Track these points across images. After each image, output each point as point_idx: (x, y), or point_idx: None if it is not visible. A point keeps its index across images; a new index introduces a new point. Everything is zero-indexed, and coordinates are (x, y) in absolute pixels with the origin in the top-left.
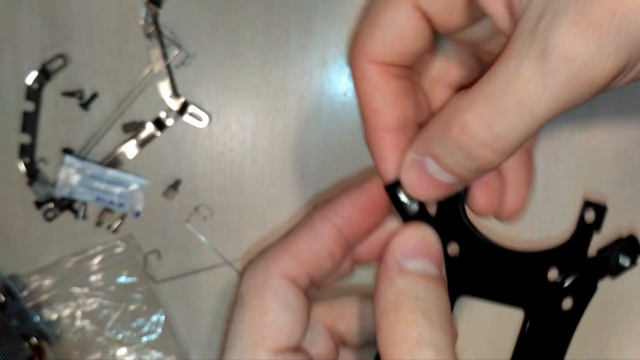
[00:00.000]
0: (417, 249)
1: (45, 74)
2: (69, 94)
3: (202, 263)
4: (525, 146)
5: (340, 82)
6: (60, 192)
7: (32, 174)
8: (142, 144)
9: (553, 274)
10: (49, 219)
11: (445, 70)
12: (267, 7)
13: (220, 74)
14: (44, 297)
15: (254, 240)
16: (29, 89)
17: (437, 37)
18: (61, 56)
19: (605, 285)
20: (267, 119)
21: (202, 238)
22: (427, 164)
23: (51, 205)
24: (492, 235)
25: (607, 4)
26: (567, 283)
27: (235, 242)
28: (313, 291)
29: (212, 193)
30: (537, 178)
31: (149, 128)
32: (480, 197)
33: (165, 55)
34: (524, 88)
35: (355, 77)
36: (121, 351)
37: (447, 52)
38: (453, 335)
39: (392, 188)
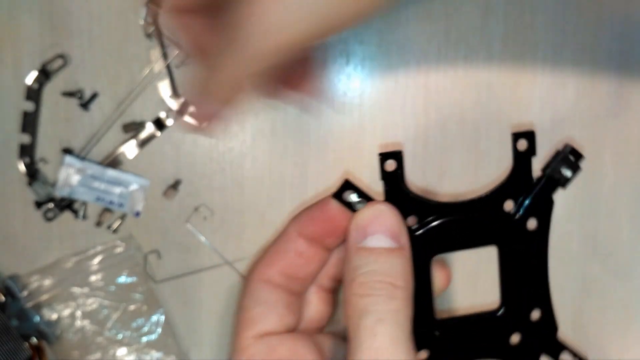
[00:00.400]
0: (371, 227)
1: (45, 74)
2: (69, 94)
3: (202, 263)
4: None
5: (340, 82)
6: (60, 192)
7: (32, 174)
8: (142, 144)
9: (509, 205)
10: (49, 219)
11: None
12: None
13: None
14: (44, 297)
15: (254, 240)
16: (29, 89)
17: None
18: (61, 56)
19: (605, 284)
20: (267, 118)
21: (202, 238)
22: (202, 105)
23: (51, 205)
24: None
25: None
26: (523, 208)
27: (235, 242)
28: (298, 283)
29: (212, 193)
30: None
31: (149, 128)
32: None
33: (165, 55)
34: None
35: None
36: (121, 351)
37: None
38: (411, 294)
39: (338, 195)
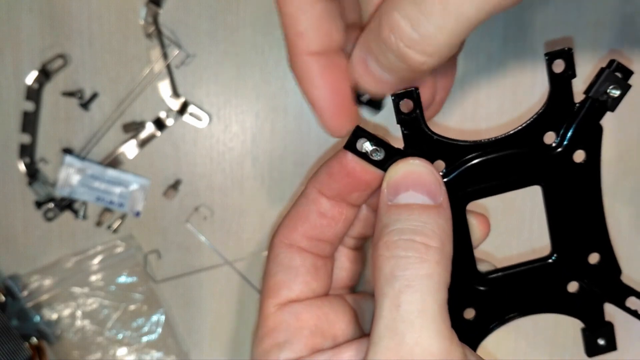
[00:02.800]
0: (403, 183)
1: (45, 74)
2: (69, 94)
3: (202, 263)
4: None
5: None
6: (60, 192)
7: (32, 174)
8: (142, 144)
9: (550, 137)
10: (49, 219)
11: None
12: (266, 7)
13: (220, 74)
14: (44, 297)
15: (254, 240)
16: (29, 89)
17: None
18: (61, 56)
19: None
20: (267, 119)
21: (202, 238)
22: (368, 61)
23: (51, 205)
24: None
25: None
26: (567, 139)
27: (235, 242)
28: (324, 245)
29: (212, 193)
30: None
31: (149, 128)
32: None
33: (165, 55)
34: None
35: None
36: (121, 351)
37: None
38: (448, 259)
39: (351, 145)
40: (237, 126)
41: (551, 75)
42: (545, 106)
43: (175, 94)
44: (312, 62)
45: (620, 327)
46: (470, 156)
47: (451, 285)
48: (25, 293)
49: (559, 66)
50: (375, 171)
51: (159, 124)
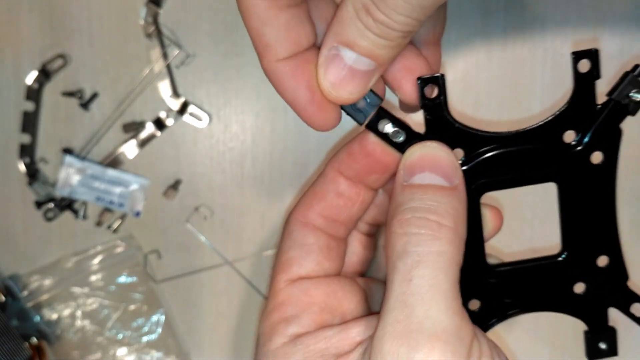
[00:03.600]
0: (420, 165)
1: (45, 74)
2: (69, 94)
3: (202, 263)
4: (435, 38)
5: None
6: (60, 192)
7: (32, 174)
8: (142, 144)
9: (570, 136)
10: (49, 219)
11: None
12: None
13: (220, 74)
14: (44, 297)
15: (254, 240)
16: (29, 89)
17: None
18: (61, 56)
19: None
20: (267, 119)
21: (202, 238)
22: (342, 54)
23: (51, 205)
24: None
25: None
26: (587, 139)
27: (235, 242)
28: (339, 226)
29: (212, 193)
30: None
31: (149, 128)
32: (407, 86)
33: (165, 55)
34: None
35: (243, 13)
36: (121, 351)
37: None
38: (461, 240)
39: (373, 125)
40: (237, 126)
41: (576, 74)
42: (568, 104)
43: (175, 94)
44: (282, 66)
45: (619, 327)
46: (488, 147)
47: (461, 273)
48: (25, 293)
49: (584, 66)
50: (395, 153)
51: (159, 124)
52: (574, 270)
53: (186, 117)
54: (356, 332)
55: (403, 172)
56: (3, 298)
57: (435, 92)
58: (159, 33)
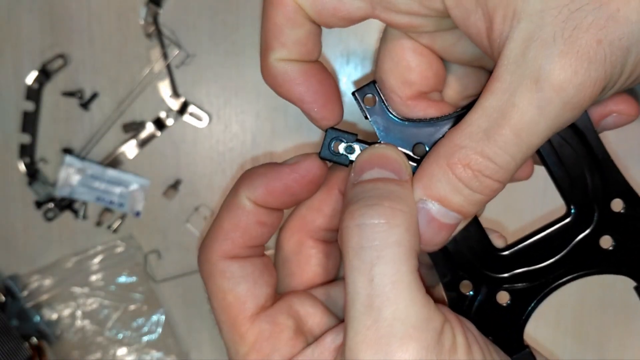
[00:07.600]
0: (368, 164)
1: (45, 74)
2: (69, 94)
3: None
4: None
5: (340, 82)
6: (60, 192)
7: (32, 174)
8: (142, 144)
9: None
10: (49, 219)
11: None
12: None
13: (220, 74)
14: (44, 297)
15: None
16: (29, 89)
17: None
18: (61, 56)
19: (606, 285)
20: (267, 119)
21: None
22: (430, 208)
23: (51, 205)
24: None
25: (591, 33)
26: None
27: None
28: (262, 247)
29: (212, 193)
30: None
31: (149, 128)
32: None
33: (165, 55)
34: (520, 119)
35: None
36: (121, 351)
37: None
38: (415, 233)
39: (326, 151)
40: (237, 126)
41: (367, 110)
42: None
43: (175, 94)
44: (289, 64)
45: (620, 327)
46: (447, 128)
47: (473, 270)
48: (25, 293)
49: (370, 101)
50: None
51: (159, 124)
52: (592, 223)
53: (186, 117)
54: (330, 339)
55: (353, 174)
56: (3, 298)
57: (373, 99)
58: (159, 33)
